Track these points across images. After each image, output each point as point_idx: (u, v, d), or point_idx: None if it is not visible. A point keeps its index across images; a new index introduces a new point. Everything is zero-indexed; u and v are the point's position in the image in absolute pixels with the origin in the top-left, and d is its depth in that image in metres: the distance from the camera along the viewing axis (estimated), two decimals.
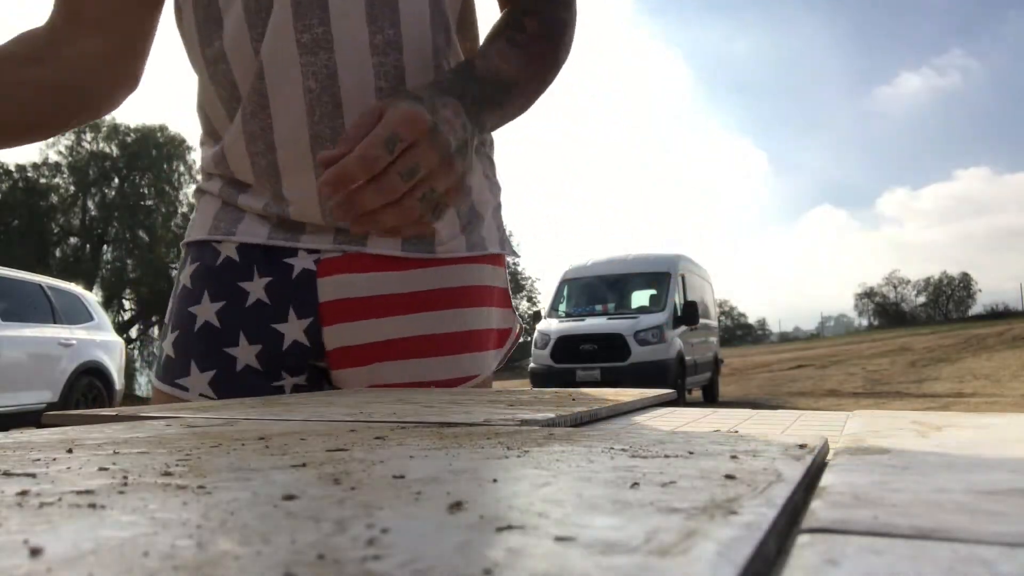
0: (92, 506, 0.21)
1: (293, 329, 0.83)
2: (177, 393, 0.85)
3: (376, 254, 0.83)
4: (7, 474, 0.27)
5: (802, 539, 0.18)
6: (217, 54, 0.80)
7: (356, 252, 0.83)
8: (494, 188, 0.94)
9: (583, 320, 9.67)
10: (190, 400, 0.83)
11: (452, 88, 0.70)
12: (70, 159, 25.58)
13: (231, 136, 0.82)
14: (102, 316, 7.95)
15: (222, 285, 0.84)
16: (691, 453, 0.31)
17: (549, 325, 9.84)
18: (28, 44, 0.82)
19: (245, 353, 0.83)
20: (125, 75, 0.87)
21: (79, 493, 0.23)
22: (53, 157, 25.34)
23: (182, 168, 27.08)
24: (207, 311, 0.84)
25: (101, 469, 0.28)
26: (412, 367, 0.84)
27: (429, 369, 0.84)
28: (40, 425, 0.50)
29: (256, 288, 0.83)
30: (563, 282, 10.73)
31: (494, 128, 0.80)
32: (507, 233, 0.97)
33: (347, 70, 0.77)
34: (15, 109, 0.79)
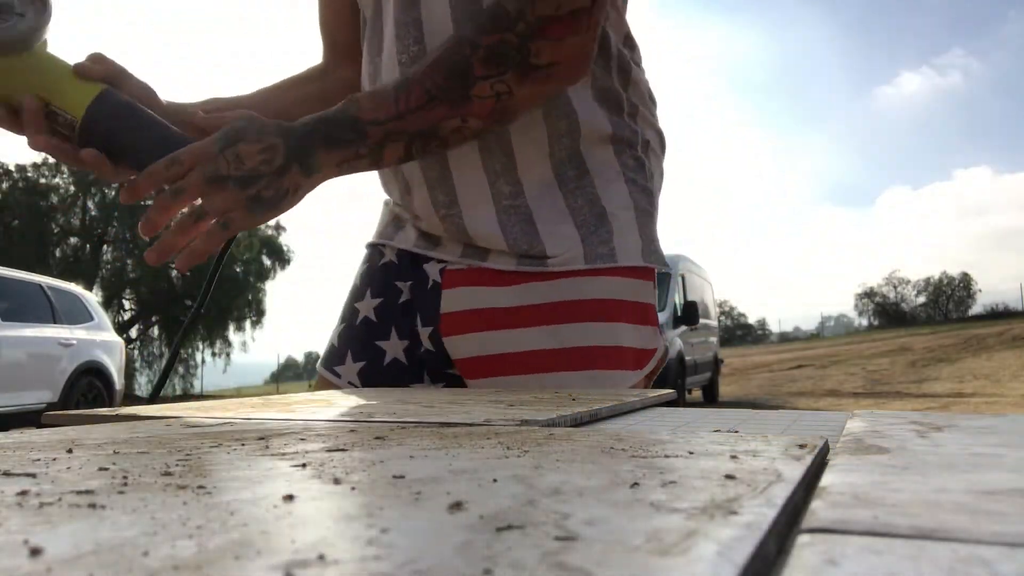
0: (92, 506, 0.21)
1: (423, 334, 0.90)
2: (331, 378, 0.94)
3: (495, 269, 0.86)
4: (7, 474, 0.27)
5: (802, 539, 0.18)
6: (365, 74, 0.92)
7: (478, 266, 0.86)
8: (640, 195, 0.87)
9: None
10: (340, 387, 0.91)
11: (279, 126, 0.70)
12: None
13: None
14: (102, 316, 7.95)
15: (381, 284, 0.94)
16: (691, 453, 0.31)
17: None
18: (309, 71, 1.04)
19: (394, 348, 0.91)
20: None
21: (79, 493, 0.23)
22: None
23: None
24: (368, 307, 0.94)
25: (101, 469, 0.28)
26: (536, 381, 0.82)
27: (557, 384, 0.82)
28: (40, 425, 0.50)
29: (405, 288, 0.92)
30: None
31: (340, 165, 0.72)
32: (657, 243, 0.88)
33: None
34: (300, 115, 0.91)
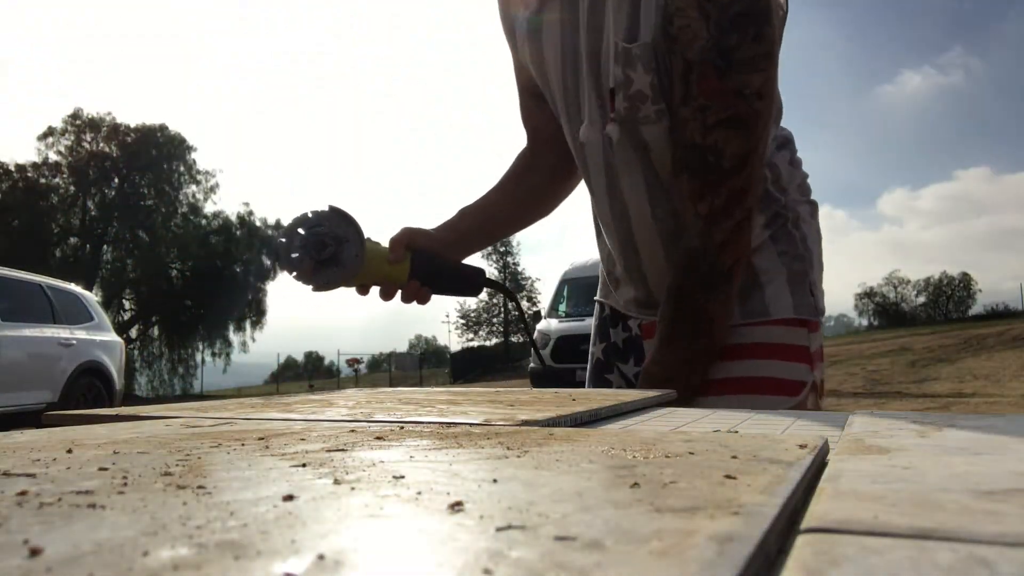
0: (92, 506, 0.21)
1: (630, 370, 1.15)
2: None
3: None
4: (7, 474, 0.27)
5: (802, 539, 0.18)
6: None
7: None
8: (792, 260, 1.05)
9: (583, 320, 9.66)
10: None
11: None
12: (70, 159, 25.59)
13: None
14: (102, 316, 7.95)
15: (602, 333, 1.22)
16: (691, 453, 0.31)
17: (549, 325, 9.84)
18: (519, 162, 1.24)
19: (617, 381, 1.17)
20: (566, 173, 1.22)
21: (79, 493, 0.23)
22: (53, 157, 25.36)
23: (182, 168, 27.09)
24: (597, 350, 1.22)
25: (101, 469, 0.28)
26: (713, 401, 1.02)
27: (725, 404, 1.00)
28: (40, 425, 0.50)
29: (618, 336, 1.18)
30: (563, 282, 10.73)
31: (716, 318, 0.97)
32: (813, 298, 1.06)
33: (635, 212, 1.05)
34: (532, 205, 1.25)
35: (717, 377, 1.01)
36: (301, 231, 0.95)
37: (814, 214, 1.12)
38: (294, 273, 0.95)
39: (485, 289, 1.15)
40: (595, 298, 1.27)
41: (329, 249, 0.95)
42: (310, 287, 0.96)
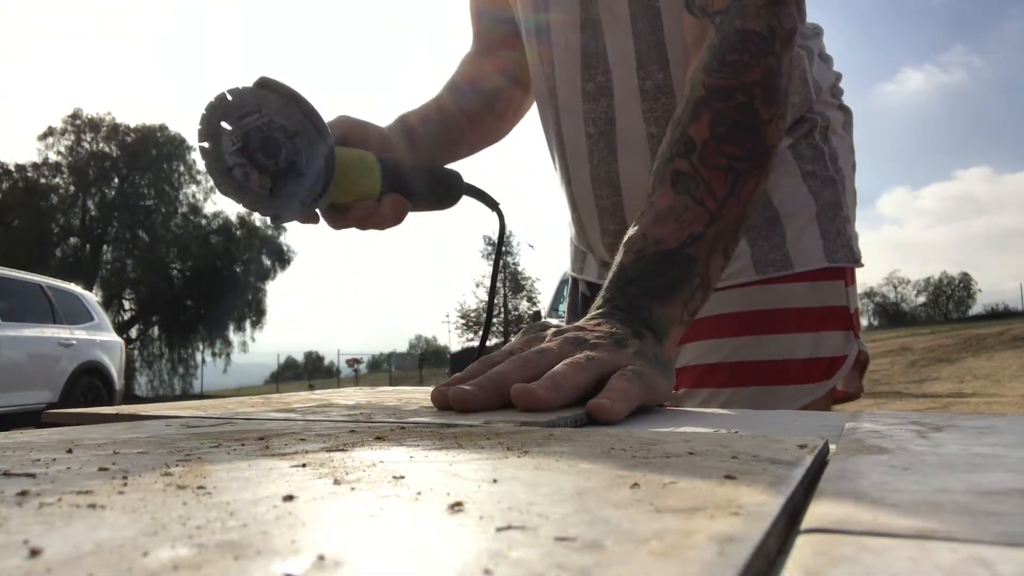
0: (92, 506, 0.21)
1: None
2: None
3: None
4: (7, 474, 0.27)
5: (802, 539, 0.18)
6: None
7: None
8: (821, 187, 0.77)
9: None
10: None
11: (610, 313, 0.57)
12: (70, 159, 25.61)
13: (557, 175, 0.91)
14: (102, 316, 7.95)
15: (578, 315, 0.94)
16: (691, 453, 0.31)
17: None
18: (469, 67, 0.99)
19: None
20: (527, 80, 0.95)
21: (79, 493, 0.23)
22: (53, 157, 25.38)
23: (182, 168, 27.11)
24: None
25: (101, 469, 0.28)
26: (712, 396, 0.78)
27: (725, 402, 0.77)
28: (40, 425, 0.50)
29: None
30: (563, 282, 10.72)
31: (683, 313, 0.57)
32: (847, 237, 0.78)
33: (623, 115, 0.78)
34: (480, 115, 0.97)
35: (726, 360, 0.78)
36: (226, 125, 0.62)
37: (848, 126, 0.84)
38: (241, 198, 0.62)
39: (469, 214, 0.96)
40: (569, 272, 1.00)
41: (284, 152, 0.62)
42: (268, 217, 0.64)
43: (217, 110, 0.61)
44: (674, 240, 0.57)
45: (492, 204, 0.86)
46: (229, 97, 0.62)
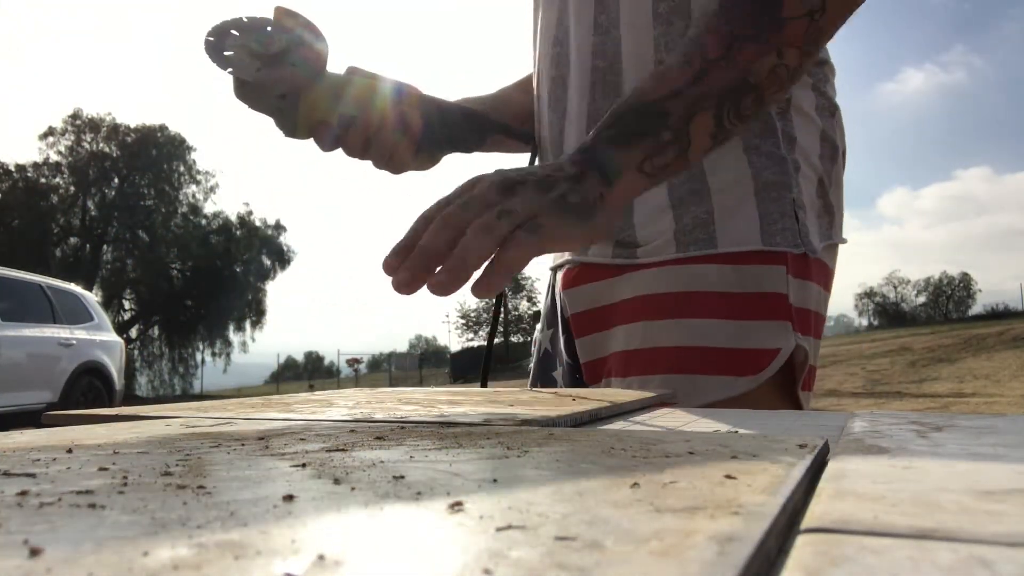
0: (92, 506, 0.21)
1: (546, 339, 0.90)
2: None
3: (594, 263, 0.78)
4: (7, 474, 0.27)
5: (802, 539, 0.18)
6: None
7: (581, 263, 0.81)
8: (766, 163, 0.73)
9: None
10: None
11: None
12: (70, 159, 25.62)
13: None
14: (102, 316, 7.95)
15: (551, 312, 0.91)
16: (691, 453, 0.31)
17: None
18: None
19: (561, 377, 0.88)
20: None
21: (79, 493, 0.23)
22: (53, 157, 25.39)
23: (182, 168, 27.12)
24: (545, 338, 0.92)
25: (101, 469, 0.28)
26: (638, 383, 0.74)
27: (646, 386, 0.73)
28: (40, 425, 0.50)
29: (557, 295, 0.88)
30: None
31: (644, 164, 0.56)
32: (794, 222, 0.73)
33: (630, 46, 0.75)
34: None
35: (645, 346, 0.73)
36: (235, 32, 0.68)
37: (824, 112, 0.78)
38: (229, 69, 0.67)
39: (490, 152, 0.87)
40: (550, 266, 0.92)
41: (279, 43, 0.67)
42: (246, 78, 0.68)
43: (231, 21, 0.68)
44: (652, 95, 0.56)
45: (526, 138, 0.84)
46: (245, 19, 0.68)
